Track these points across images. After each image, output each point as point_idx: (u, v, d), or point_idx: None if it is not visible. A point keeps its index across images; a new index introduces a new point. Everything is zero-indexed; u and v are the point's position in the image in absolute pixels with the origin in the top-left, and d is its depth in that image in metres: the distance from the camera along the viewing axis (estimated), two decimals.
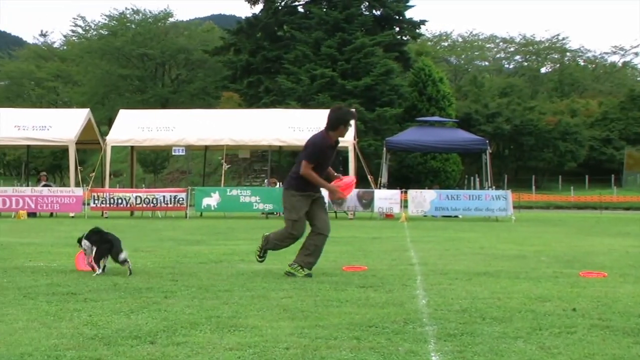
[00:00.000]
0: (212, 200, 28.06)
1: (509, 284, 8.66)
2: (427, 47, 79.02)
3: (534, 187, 54.89)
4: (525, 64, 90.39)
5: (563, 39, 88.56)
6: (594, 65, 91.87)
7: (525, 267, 10.60)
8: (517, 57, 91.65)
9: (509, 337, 5.70)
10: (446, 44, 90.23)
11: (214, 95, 71.80)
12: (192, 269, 10.13)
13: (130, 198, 28.25)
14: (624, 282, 9.01)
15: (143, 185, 47.20)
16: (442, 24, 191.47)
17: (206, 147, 32.88)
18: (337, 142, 9.67)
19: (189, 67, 79.47)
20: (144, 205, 28.30)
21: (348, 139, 29.55)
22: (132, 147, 32.95)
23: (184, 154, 31.61)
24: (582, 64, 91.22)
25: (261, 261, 9.76)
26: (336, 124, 9.46)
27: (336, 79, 54.59)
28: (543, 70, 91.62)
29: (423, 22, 65.22)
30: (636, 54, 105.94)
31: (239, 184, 52.50)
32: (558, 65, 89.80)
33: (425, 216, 28.34)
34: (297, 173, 9.47)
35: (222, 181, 32.11)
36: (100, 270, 9.39)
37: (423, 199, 27.99)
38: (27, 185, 33.12)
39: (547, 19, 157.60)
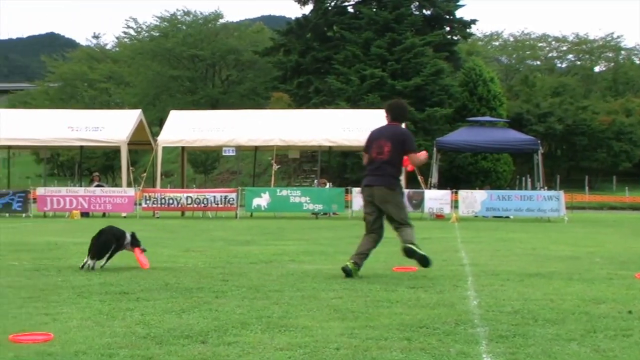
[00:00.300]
0: (262, 200, 28.15)
1: (562, 286, 8.55)
2: (477, 46, 78.43)
3: (587, 188, 54.18)
4: (578, 63, 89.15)
5: (617, 37, 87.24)
6: None
7: (578, 268, 10.46)
8: (570, 56, 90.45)
9: (563, 339, 5.63)
10: (497, 43, 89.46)
11: (264, 96, 72.02)
12: (242, 269, 10.17)
13: (181, 198, 28.48)
14: None
15: (194, 186, 47.61)
16: (493, 24, 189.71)
17: (256, 148, 33.02)
18: None
19: (239, 68, 79.86)
20: (195, 205, 28.50)
21: None
22: (182, 147, 33.21)
23: (234, 154, 31.78)
24: (638, 62, 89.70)
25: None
26: (406, 117, 9.99)
27: (386, 79, 54.43)
28: (596, 69, 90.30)
29: (473, 21, 64.78)
30: None
31: (288, 185, 52.63)
32: (612, 64, 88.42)
33: (476, 217, 28.14)
34: (397, 172, 9.55)
35: (272, 181, 32.18)
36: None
37: (474, 199, 27.80)
38: (80, 186, 33.57)
39: (600, 18, 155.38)
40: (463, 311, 6.79)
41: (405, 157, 9.65)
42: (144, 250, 10.36)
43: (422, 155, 9.91)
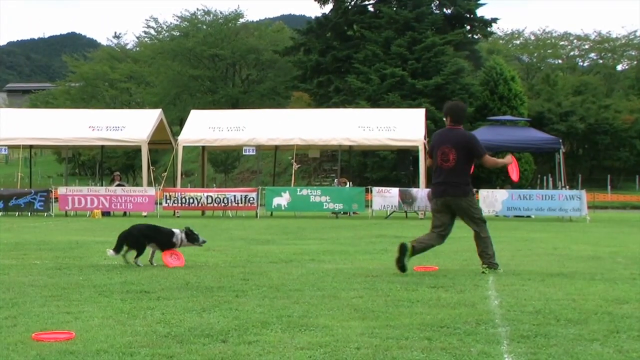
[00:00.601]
0: (282, 199, 28.19)
1: (584, 286, 8.51)
2: (498, 45, 78.11)
3: (609, 187, 53.87)
4: (601, 61, 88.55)
5: None
6: None
7: (600, 268, 10.40)
8: (592, 55, 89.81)
9: (585, 339, 5.60)
10: (518, 42, 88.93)
11: (284, 95, 72.08)
12: (262, 268, 10.19)
13: (201, 198, 28.56)
14: None
15: (214, 185, 47.68)
16: (514, 22, 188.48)
17: (276, 147, 33.06)
18: None
19: (259, 68, 79.92)
20: (215, 204, 28.58)
21: (418, 138, 29.44)
22: (203, 147, 33.29)
23: (254, 153, 31.84)
24: None
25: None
26: (465, 117, 10.18)
27: (406, 78, 54.33)
28: (619, 67, 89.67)
29: (494, 20, 64.43)
30: None
31: (308, 184, 52.67)
32: (635, 62, 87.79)
33: (497, 216, 28.05)
34: (466, 178, 9.70)
35: (292, 181, 32.22)
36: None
37: (495, 198, 27.71)
38: (102, 185, 33.74)
39: (623, 16, 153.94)
40: (484, 311, 6.77)
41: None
42: (204, 242, 10.71)
43: (501, 161, 10.15)
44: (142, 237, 10.19)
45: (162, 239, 10.28)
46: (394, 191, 28.21)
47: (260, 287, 8.22)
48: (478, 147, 9.67)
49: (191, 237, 10.43)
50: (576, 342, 5.50)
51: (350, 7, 64.13)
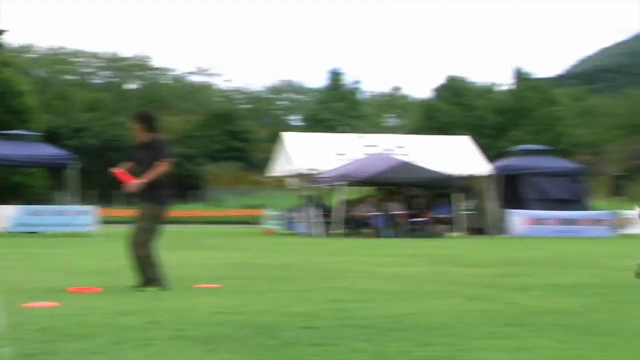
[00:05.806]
0: None
1: (91, 300, 8.74)
2: (11, 57, 76.03)
3: (119, 203, 55.22)
4: (113, 79, 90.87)
5: (148, 57, 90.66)
6: (178, 84, 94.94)
7: (109, 282, 10.73)
8: (105, 73, 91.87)
9: (90, 352, 5.79)
10: (32, 55, 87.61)
11: None
12: None
13: None
14: (202, 293, 9.53)
15: None
16: (27, 35, 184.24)
17: None
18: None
19: None
20: None
21: None
22: None
23: None
24: (168, 82, 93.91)
25: None
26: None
27: None
28: (130, 86, 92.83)
29: (2, 31, 62.86)
30: (216, 75, 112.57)
31: None
32: (144, 82, 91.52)
33: (9, 233, 27.38)
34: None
35: None
36: None
37: (4, 214, 27.05)
38: None
39: (133, 37, 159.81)
40: None
41: None
42: None
43: None
44: None
45: None
46: None
47: None
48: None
49: None
50: (81, 356, 5.66)
51: None
